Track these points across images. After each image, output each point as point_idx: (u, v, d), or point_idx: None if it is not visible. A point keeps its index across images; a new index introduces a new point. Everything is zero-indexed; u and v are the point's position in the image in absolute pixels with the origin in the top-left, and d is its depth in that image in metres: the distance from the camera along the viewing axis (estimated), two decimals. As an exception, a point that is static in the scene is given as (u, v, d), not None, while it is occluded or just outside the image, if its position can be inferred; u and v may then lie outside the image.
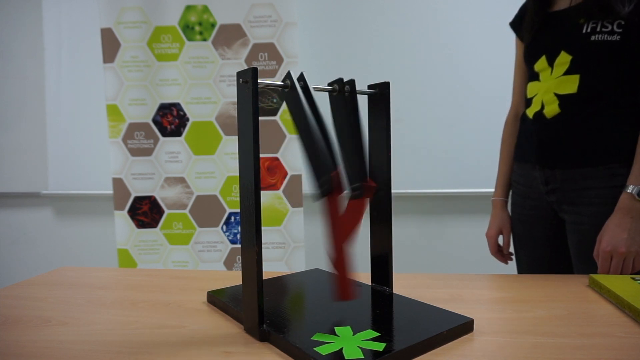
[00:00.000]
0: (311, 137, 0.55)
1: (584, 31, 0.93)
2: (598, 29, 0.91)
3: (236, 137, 1.73)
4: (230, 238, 1.85)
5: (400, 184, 1.94)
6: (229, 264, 1.86)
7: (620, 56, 0.91)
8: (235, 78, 1.79)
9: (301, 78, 0.59)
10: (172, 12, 1.76)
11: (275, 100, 1.78)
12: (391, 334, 0.54)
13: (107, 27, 1.76)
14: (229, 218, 1.84)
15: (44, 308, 0.69)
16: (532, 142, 1.05)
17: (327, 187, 0.53)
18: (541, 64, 1.02)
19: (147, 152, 1.82)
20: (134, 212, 1.84)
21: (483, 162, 1.91)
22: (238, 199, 1.82)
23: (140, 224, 1.84)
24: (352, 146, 0.57)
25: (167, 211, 1.84)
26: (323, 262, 2.01)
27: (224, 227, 1.85)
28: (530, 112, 1.05)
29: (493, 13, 1.89)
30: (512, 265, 1.18)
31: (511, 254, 1.17)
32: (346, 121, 0.59)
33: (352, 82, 0.61)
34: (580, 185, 0.97)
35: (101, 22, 1.76)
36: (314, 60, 1.99)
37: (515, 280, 0.81)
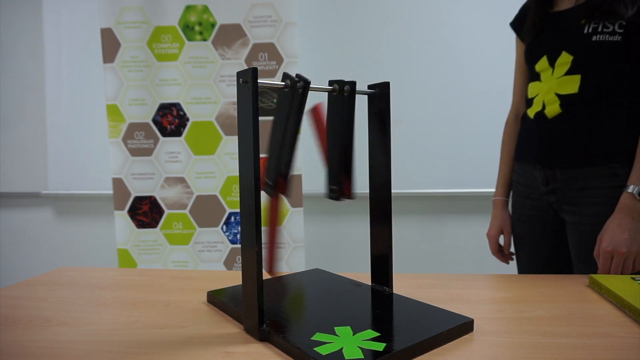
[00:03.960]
0: (276, 138, 0.60)
1: (585, 31, 0.93)
2: (599, 30, 0.91)
3: (236, 137, 1.73)
4: (230, 238, 1.85)
5: (400, 184, 1.94)
6: (229, 264, 1.86)
7: (622, 56, 0.91)
8: (235, 78, 1.79)
9: (301, 78, 0.59)
10: (172, 12, 1.76)
11: (275, 100, 1.78)
12: (391, 334, 0.54)
13: (107, 27, 1.76)
14: (229, 218, 1.84)
15: (44, 308, 0.69)
16: (532, 142, 1.05)
17: (270, 190, 0.60)
18: (542, 64, 1.02)
19: (147, 152, 1.82)
20: (134, 212, 1.84)
21: (483, 162, 1.91)
22: (238, 199, 1.82)
23: (140, 224, 1.84)
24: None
25: (167, 211, 1.84)
26: (323, 262, 2.01)
27: (224, 227, 1.84)
28: (531, 112, 1.05)
29: (493, 13, 1.89)
30: (512, 265, 1.18)
31: (512, 254, 1.17)
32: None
33: (353, 83, 0.62)
34: (580, 185, 0.97)
35: (101, 22, 1.76)
36: (314, 60, 1.99)
37: (515, 280, 0.81)
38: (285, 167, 0.60)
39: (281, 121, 0.61)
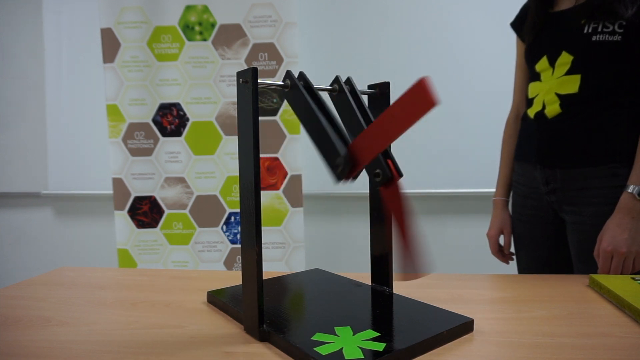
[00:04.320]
0: (319, 124, 0.53)
1: (585, 31, 0.93)
2: (599, 30, 0.91)
3: (236, 137, 1.73)
4: (230, 238, 1.85)
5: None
6: (229, 264, 1.86)
7: (622, 56, 0.91)
8: (235, 78, 1.79)
9: (301, 77, 0.58)
10: (172, 12, 1.76)
11: (275, 100, 1.78)
12: (391, 334, 0.54)
13: (107, 27, 1.76)
14: (229, 218, 1.84)
15: (44, 308, 0.69)
16: (532, 142, 1.05)
17: (342, 168, 0.50)
18: (542, 64, 1.02)
19: (147, 152, 1.82)
20: (134, 212, 1.84)
21: (483, 162, 1.91)
22: (238, 199, 1.82)
23: (140, 224, 1.84)
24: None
25: (167, 211, 1.84)
26: (323, 262, 2.01)
27: (224, 227, 1.84)
28: (531, 112, 1.05)
29: (493, 13, 1.89)
30: (512, 265, 1.18)
31: (512, 254, 1.17)
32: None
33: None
34: (580, 185, 0.97)
35: (101, 22, 1.76)
36: (314, 60, 1.98)
37: (515, 280, 0.81)
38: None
39: (313, 113, 0.55)
